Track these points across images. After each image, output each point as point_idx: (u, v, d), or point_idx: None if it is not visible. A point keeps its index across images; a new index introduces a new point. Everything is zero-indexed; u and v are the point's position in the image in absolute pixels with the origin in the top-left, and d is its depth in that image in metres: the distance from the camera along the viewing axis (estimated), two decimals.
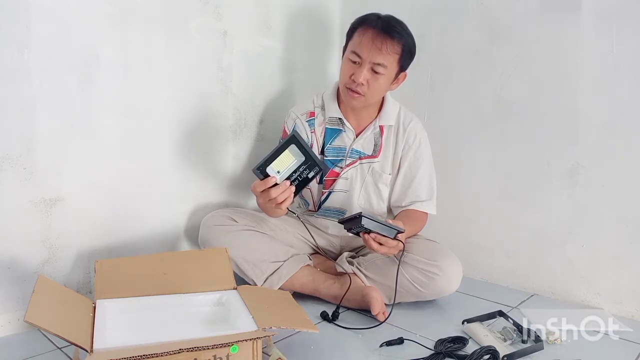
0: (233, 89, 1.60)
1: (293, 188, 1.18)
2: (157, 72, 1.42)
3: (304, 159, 1.17)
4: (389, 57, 1.35)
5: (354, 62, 1.37)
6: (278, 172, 1.16)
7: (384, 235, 1.25)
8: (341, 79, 1.43)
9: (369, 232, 1.25)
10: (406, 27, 1.39)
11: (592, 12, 1.38)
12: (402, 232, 1.28)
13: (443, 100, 1.70)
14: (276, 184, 1.17)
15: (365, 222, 1.22)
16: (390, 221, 1.30)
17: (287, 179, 1.17)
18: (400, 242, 1.28)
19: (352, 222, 1.27)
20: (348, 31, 1.44)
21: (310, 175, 1.18)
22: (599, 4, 1.37)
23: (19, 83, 1.17)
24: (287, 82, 1.76)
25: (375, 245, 1.26)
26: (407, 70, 1.44)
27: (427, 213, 1.50)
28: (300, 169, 1.17)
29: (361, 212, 1.23)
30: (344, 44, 1.46)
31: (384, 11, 1.41)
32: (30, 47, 1.17)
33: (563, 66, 1.45)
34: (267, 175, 1.16)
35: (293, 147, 1.16)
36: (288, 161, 1.16)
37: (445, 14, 1.67)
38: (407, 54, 1.39)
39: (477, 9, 1.60)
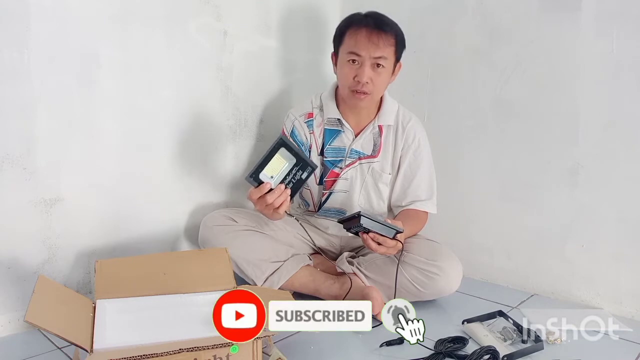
0: (233, 89, 1.60)
1: (289, 191, 1.18)
2: (157, 72, 1.42)
3: (295, 160, 1.17)
4: (386, 50, 1.36)
5: (354, 62, 1.37)
6: (271, 177, 1.16)
7: (382, 235, 1.25)
8: (343, 82, 1.42)
9: (367, 231, 1.25)
10: (391, 19, 1.41)
11: (592, 12, 1.38)
12: (401, 232, 1.28)
13: (443, 100, 1.70)
14: (271, 190, 1.17)
15: (364, 221, 1.22)
16: (389, 221, 1.30)
17: (282, 182, 1.18)
18: (399, 242, 1.28)
19: (351, 222, 1.27)
20: (335, 37, 1.43)
21: (303, 176, 1.18)
22: (599, 4, 1.37)
23: (19, 83, 1.17)
24: (287, 82, 1.76)
25: (373, 245, 1.26)
26: (403, 70, 1.45)
27: (427, 212, 1.50)
28: (293, 171, 1.17)
29: (360, 212, 1.23)
30: (332, 51, 1.45)
31: (384, 11, 1.41)
32: (30, 47, 1.18)
33: (563, 66, 1.45)
34: (260, 182, 1.16)
35: (283, 150, 1.15)
36: (280, 165, 1.16)
37: (445, 14, 1.67)
38: (400, 43, 1.40)
39: (477, 9, 1.60)
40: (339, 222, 1.35)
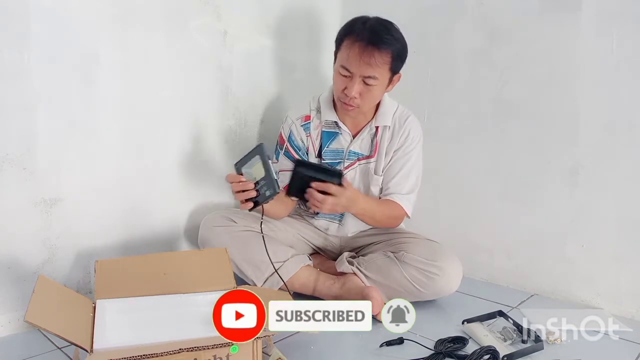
0: (233, 89, 1.60)
1: (253, 193, 1.17)
2: (157, 72, 1.42)
3: (264, 174, 1.17)
4: (379, 69, 1.32)
5: (345, 76, 1.35)
6: (254, 178, 1.18)
7: (325, 181, 1.23)
8: (334, 91, 1.42)
9: (307, 181, 1.22)
10: (395, 31, 1.35)
11: (592, 12, 1.38)
12: (342, 176, 1.25)
13: (443, 100, 1.70)
14: (241, 182, 1.19)
15: (300, 170, 1.21)
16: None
17: (255, 184, 1.18)
18: (347, 190, 1.24)
19: (293, 183, 1.25)
20: (336, 40, 1.41)
21: (267, 194, 1.16)
22: (599, 4, 1.37)
23: (19, 83, 1.17)
24: (287, 82, 1.76)
25: (319, 197, 1.23)
26: (403, 71, 1.42)
27: (404, 209, 1.46)
28: (261, 183, 1.17)
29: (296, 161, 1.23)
30: (334, 50, 1.43)
31: (384, 11, 1.40)
32: (30, 47, 1.17)
33: (563, 66, 1.45)
34: (240, 173, 1.20)
35: (258, 157, 1.17)
36: (260, 171, 1.18)
37: (445, 14, 1.67)
38: (397, 60, 1.35)
39: (477, 9, 1.60)
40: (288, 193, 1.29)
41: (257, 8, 1.64)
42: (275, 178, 1.15)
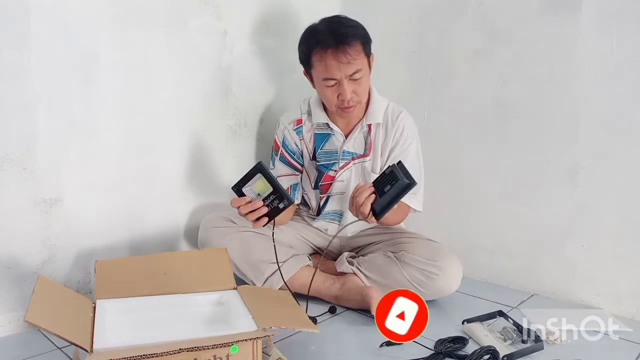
0: (233, 89, 1.61)
1: (263, 210, 1.19)
2: (157, 72, 1.42)
3: (272, 189, 1.19)
4: (358, 61, 1.33)
5: (332, 86, 1.36)
6: (258, 194, 1.20)
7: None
8: (328, 103, 1.41)
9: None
10: (347, 20, 1.37)
11: (592, 12, 1.38)
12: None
13: (443, 100, 1.70)
14: (248, 203, 1.19)
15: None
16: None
17: (264, 200, 1.20)
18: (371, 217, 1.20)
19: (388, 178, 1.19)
20: (302, 61, 1.42)
21: (280, 206, 1.19)
22: (599, 4, 1.37)
23: (19, 83, 1.17)
24: (287, 82, 1.76)
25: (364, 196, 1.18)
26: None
27: (409, 206, 1.46)
28: (271, 197, 1.19)
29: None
30: (304, 71, 1.44)
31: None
32: (30, 47, 1.18)
33: (563, 66, 1.45)
34: (241, 194, 1.20)
35: (260, 175, 1.19)
36: (264, 186, 1.20)
37: (445, 14, 1.67)
38: (366, 43, 1.37)
39: (477, 9, 1.60)
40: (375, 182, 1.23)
41: (257, 8, 1.64)
42: (285, 190, 1.19)
